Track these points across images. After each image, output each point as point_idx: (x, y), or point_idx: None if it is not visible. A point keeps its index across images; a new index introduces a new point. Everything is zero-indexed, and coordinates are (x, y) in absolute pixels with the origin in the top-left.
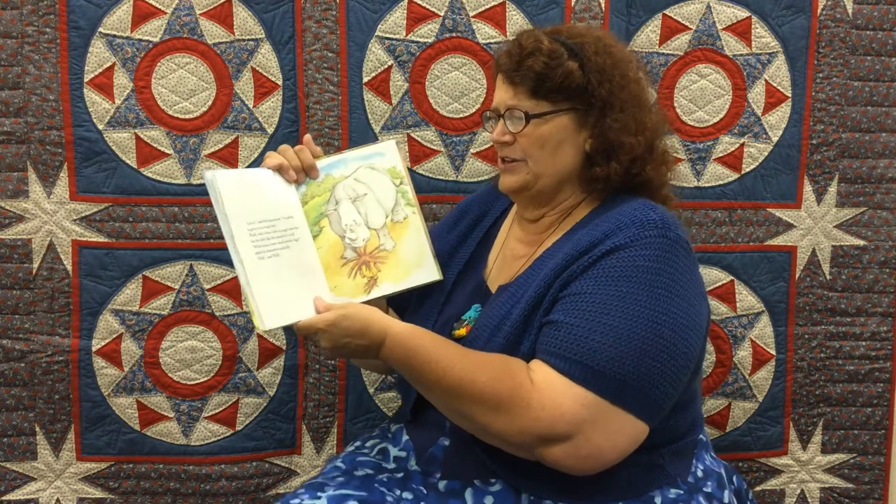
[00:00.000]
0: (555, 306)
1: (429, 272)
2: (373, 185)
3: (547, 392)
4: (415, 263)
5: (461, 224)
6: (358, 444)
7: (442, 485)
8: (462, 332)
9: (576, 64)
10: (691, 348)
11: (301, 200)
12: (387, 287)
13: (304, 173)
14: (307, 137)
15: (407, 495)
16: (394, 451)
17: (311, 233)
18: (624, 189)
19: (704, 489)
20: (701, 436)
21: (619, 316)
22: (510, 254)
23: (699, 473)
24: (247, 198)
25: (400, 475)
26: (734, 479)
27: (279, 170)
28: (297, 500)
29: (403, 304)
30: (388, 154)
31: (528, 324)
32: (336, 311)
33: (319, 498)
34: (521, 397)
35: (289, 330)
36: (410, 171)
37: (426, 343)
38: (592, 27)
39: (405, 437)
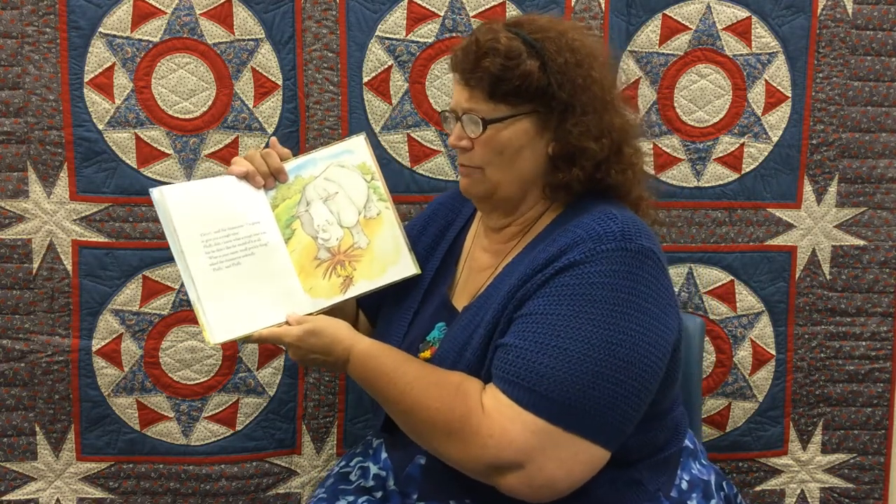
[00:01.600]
0: (510, 328)
1: (405, 267)
2: (343, 182)
3: (496, 419)
4: (391, 260)
5: (428, 233)
6: (343, 463)
7: None
8: (427, 354)
9: (536, 63)
10: (652, 366)
11: (271, 204)
12: (363, 285)
13: (272, 178)
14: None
15: None
16: (374, 470)
17: (283, 236)
18: (589, 193)
19: (689, 502)
20: (687, 443)
21: (570, 338)
22: (475, 265)
23: (683, 486)
24: (200, 209)
25: (379, 494)
26: (724, 485)
27: (245, 177)
28: None
29: (375, 315)
30: (356, 150)
31: (488, 348)
32: (304, 326)
33: None
34: (470, 424)
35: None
36: (410, 170)
37: (388, 362)
38: (557, 19)
39: (384, 455)
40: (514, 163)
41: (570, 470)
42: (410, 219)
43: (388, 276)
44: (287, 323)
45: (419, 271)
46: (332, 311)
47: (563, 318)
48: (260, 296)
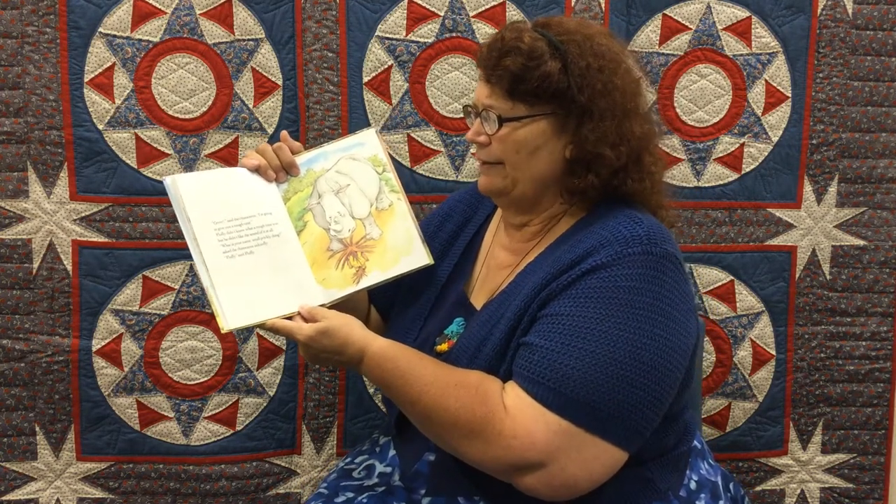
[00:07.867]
0: (532, 327)
1: (418, 257)
2: (355, 175)
3: (519, 419)
4: (403, 250)
5: (445, 229)
6: (348, 459)
7: (426, 501)
8: (444, 346)
9: (557, 65)
10: (674, 370)
11: (283, 197)
12: (376, 276)
13: (284, 171)
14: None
15: None
16: (379, 468)
17: (295, 228)
18: (611, 198)
19: (698, 502)
20: (696, 443)
21: (595, 340)
22: (494, 263)
23: (692, 486)
24: (213, 197)
25: (382, 489)
26: (731, 486)
27: (257, 170)
28: None
29: (388, 308)
30: (368, 143)
31: (508, 345)
32: (316, 325)
33: None
34: (493, 424)
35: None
36: (410, 170)
37: (402, 363)
38: (586, 23)
39: (391, 452)
40: (531, 161)
41: (590, 471)
42: (423, 217)
43: (401, 267)
44: (300, 314)
45: (432, 261)
46: (346, 307)
47: (588, 320)
48: (273, 285)
